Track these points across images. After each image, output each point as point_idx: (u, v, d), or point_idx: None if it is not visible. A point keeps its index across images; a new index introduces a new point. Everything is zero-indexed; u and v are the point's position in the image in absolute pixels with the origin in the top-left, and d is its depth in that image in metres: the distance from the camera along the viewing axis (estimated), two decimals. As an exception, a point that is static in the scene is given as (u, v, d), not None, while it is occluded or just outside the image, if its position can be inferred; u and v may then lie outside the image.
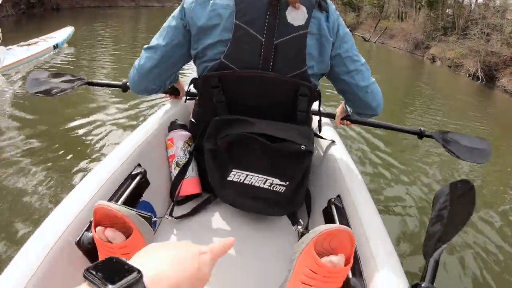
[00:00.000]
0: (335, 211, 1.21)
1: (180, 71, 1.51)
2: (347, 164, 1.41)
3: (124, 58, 7.34)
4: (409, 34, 17.43)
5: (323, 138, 1.62)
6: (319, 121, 1.54)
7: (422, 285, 0.84)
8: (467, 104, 8.20)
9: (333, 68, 1.30)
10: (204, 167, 1.33)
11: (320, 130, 1.58)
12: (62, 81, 1.90)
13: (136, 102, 4.60)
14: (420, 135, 1.91)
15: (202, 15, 1.19)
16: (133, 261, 0.44)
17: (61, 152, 3.22)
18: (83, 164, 3.06)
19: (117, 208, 0.88)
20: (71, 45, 8.04)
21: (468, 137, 1.89)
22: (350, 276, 0.95)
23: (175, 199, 1.36)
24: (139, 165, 1.29)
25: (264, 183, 1.23)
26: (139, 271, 0.40)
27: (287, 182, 1.23)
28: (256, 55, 1.18)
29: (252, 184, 1.23)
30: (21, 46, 6.41)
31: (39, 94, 1.83)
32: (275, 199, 1.25)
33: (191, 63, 1.36)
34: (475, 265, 2.45)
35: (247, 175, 1.22)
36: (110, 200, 1.10)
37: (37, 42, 6.79)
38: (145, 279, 0.40)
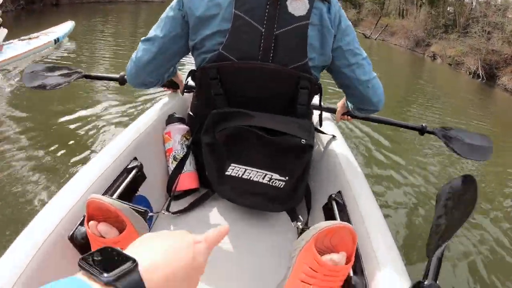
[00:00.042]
0: (336, 207, 1.18)
1: (179, 66, 1.48)
2: (348, 159, 1.38)
3: (124, 52, 7.29)
4: (410, 31, 17.37)
5: (324, 133, 1.59)
6: (320, 115, 1.51)
7: (425, 283, 0.81)
8: (468, 102, 8.18)
9: (333, 61, 1.27)
10: (202, 161, 1.30)
11: (320, 125, 1.54)
12: (59, 75, 1.87)
13: (134, 95, 4.57)
14: (422, 131, 1.89)
15: (201, 5, 1.15)
16: (128, 251, 0.44)
17: (57, 146, 3.20)
18: (79, 158, 3.03)
19: (110, 202, 0.85)
20: (72, 40, 8.02)
21: (470, 133, 1.86)
22: (351, 274, 0.92)
23: (172, 194, 1.33)
24: (135, 158, 1.27)
25: (263, 178, 1.20)
26: (134, 260, 0.40)
27: (287, 177, 1.20)
28: (256, 45, 1.15)
29: (251, 179, 1.20)
30: (22, 40, 6.38)
31: (37, 88, 1.80)
32: (274, 194, 1.22)
33: (191, 56, 1.32)
34: (477, 262, 2.43)
35: (246, 169, 1.19)
36: (105, 194, 1.08)
37: (38, 36, 6.75)
38: (140, 268, 0.40)
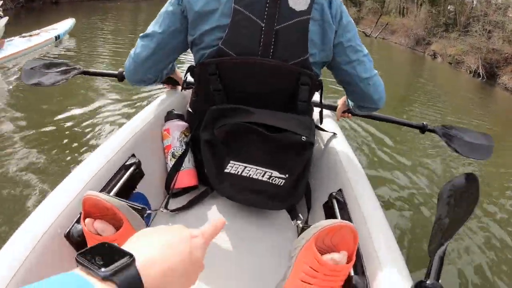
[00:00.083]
0: (336, 206, 1.17)
1: (178, 64, 1.46)
2: (349, 157, 1.37)
3: (124, 50, 7.26)
4: (410, 30, 17.32)
5: (324, 130, 1.57)
6: (321, 113, 1.49)
7: (427, 282, 0.80)
8: (468, 101, 8.16)
9: (334, 58, 1.25)
10: (201, 158, 1.28)
11: (321, 122, 1.53)
12: (57, 71, 1.86)
13: (133, 91, 4.54)
14: (423, 129, 1.88)
15: (200, 0, 1.14)
16: (125, 247, 0.44)
17: (55, 143, 3.18)
18: (76, 155, 3.01)
19: (106, 198, 0.84)
20: (72, 37, 8.02)
21: (471, 132, 1.86)
22: (352, 273, 0.91)
23: (171, 191, 1.32)
24: (133, 155, 1.25)
25: (262, 176, 1.18)
26: (131, 255, 0.40)
27: (287, 175, 1.18)
28: (256, 41, 1.13)
29: (250, 176, 1.18)
30: (23, 37, 6.41)
31: (35, 85, 1.79)
32: (274, 192, 1.20)
33: (190, 54, 1.31)
34: (479, 261, 2.41)
35: (245, 167, 1.18)
36: (102, 191, 1.06)
37: (39, 33, 6.78)
38: (137, 263, 0.40)
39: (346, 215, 1.12)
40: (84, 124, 3.61)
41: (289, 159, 1.17)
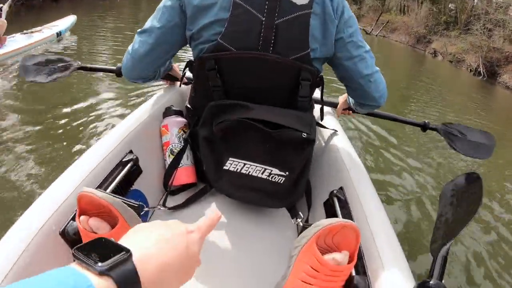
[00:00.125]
0: (337, 204, 1.14)
1: (178, 63, 1.43)
2: (350, 154, 1.35)
3: (124, 48, 7.27)
4: (411, 28, 17.29)
5: (325, 127, 1.55)
6: (321, 109, 1.47)
7: (431, 282, 0.78)
8: (469, 100, 8.14)
9: (335, 53, 1.23)
10: (200, 155, 1.26)
11: (322, 119, 1.51)
12: (55, 67, 1.83)
13: (131, 87, 4.53)
14: (424, 127, 1.86)
15: None
16: (122, 242, 0.44)
17: (51, 139, 3.18)
18: (73, 151, 3.01)
19: (102, 195, 0.82)
20: (74, 34, 8.03)
21: (472, 130, 1.84)
22: (353, 273, 0.89)
23: (169, 189, 1.30)
24: (131, 151, 1.23)
25: (262, 173, 1.16)
26: (128, 250, 0.40)
27: (287, 172, 1.16)
28: (256, 35, 1.11)
29: (250, 173, 1.16)
30: (24, 33, 6.44)
31: (33, 82, 1.77)
32: (274, 190, 1.18)
33: (189, 51, 1.28)
34: (482, 261, 2.41)
35: (244, 164, 1.16)
36: (98, 187, 1.04)
37: (40, 30, 6.81)
38: (133, 258, 0.40)
39: (347, 214, 1.10)
40: (82, 120, 3.59)
41: (289, 156, 1.15)
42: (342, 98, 1.71)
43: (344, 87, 1.39)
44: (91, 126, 3.48)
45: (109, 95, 4.31)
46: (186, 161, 1.34)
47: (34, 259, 0.80)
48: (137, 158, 1.22)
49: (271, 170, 1.16)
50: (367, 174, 1.26)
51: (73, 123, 3.51)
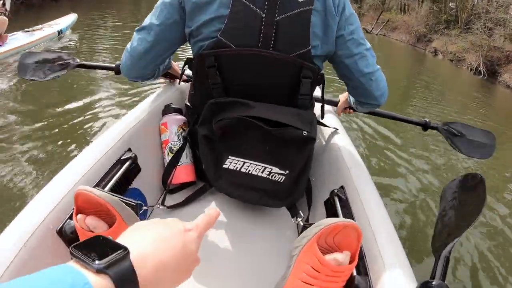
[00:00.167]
0: (338, 203, 1.13)
1: (177, 61, 1.41)
2: (351, 153, 1.33)
3: (125, 45, 7.28)
4: (411, 27, 17.27)
5: (326, 126, 1.54)
6: (322, 108, 1.46)
7: (433, 283, 0.77)
8: (469, 98, 8.12)
9: (336, 50, 1.21)
10: (199, 153, 1.25)
11: (322, 117, 1.49)
12: (54, 64, 1.82)
13: (131, 85, 4.51)
14: (425, 126, 1.85)
15: None
16: (119, 240, 0.44)
17: (49, 137, 3.16)
18: (71, 149, 2.99)
19: (99, 194, 0.80)
20: (75, 32, 8.02)
21: (474, 129, 1.83)
22: (354, 273, 0.88)
23: (168, 187, 1.29)
24: (129, 149, 1.22)
25: (262, 172, 1.15)
26: (125, 248, 0.40)
27: (287, 171, 1.15)
28: (256, 32, 1.09)
29: (250, 172, 1.15)
30: (26, 32, 6.44)
31: (32, 80, 1.76)
32: (274, 189, 1.17)
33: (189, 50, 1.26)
34: (484, 261, 2.40)
35: (244, 162, 1.14)
36: (96, 186, 1.03)
37: (42, 28, 6.80)
38: (131, 257, 0.40)
39: (348, 213, 1.09)
40: (81, 118, 3.58)
41: (289, 155, 1.14)
42: (342, 97, 1.70)
43: (345, 86, 1.37)
44: (90, 124, 3.46)
45: (108, 93, 4.30)
46: (185, 159, 1.33)
47: (31, 257, 0.79)
48: (135, 156, 1.21)
49: (271, 169, 1.14)
50: (368, 173, 1.24)
51: (71, 121, 3.49)
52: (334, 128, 1.54)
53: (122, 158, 1.17)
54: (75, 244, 0.40)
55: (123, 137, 1.21)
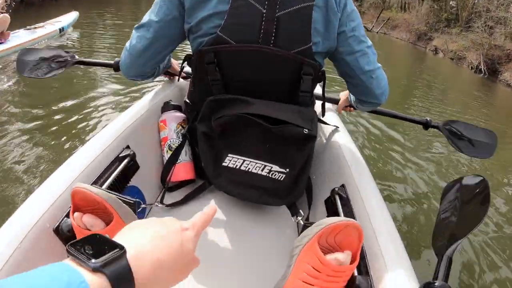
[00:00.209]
0: (339, 202, 1.12)
1: (177, 61, 1.40)
2: (352, 151, 1.32)
3: (124, 44, 7.28)
4: (412, 25, 17.28)
5: (327, 123, 1.53)
6: (323, 105, 1.44)
7: (436, 283, 0.76)
8: (470, 97, 8.13)
9: (337, 47, 1.19)
10: (198, 151, 1.23)
11: (323, 115, 1.48)
12: (53, 61, 1.81)
13: (130, 82, 4.48)
14: (426, 125, 1.84)
15: None
16: (116, 238, 0.44)
17: (47, 135, 3.15)
18: (69, 146, 2.98)
19: (96, 191, 0.79)
20: (76, 29, 8.06)
21: (475, 128, 1.83)
22: (355, 273, 0.87)
23: (167, 185, 1.28)
24: (127, 147, 1.21)
25: (262, 170, 1.13)
26: (122, 247, 0.40)
27: (288, 169, 1.14)
28: (256, 28, 1.08)
29: (249, 170, 1.13)
30: (27, 29, 6.48)
31: (30, 77, 1.75)
32: (274, 187, 1.15)
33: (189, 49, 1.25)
34: (485, 259, 2.38)
35: (244, 160, 1.13)
36: (94, 183, 1.02)
37: (43, 26, 6.85)
38: (128, 255, 0.40)
39: (349, 212, 1.08)
40: (79, 115, 3.57)
41: (290, 153, 1.13)
42: (343, 95, 1.68)
43: (346, 85, 1.36)
44: (88, 121, 3.45)
45: (107, 90, 4.29)
46: (185, 157, 1.32)
47: (28, 256, 0.78)
48: (134, 153, 1.19)
49: (271, 167, 1.13)
50: (369, 171, 1.23)
51: (69, 119, 3.48)
52: (334, 126, 1.52)
53: (120, 155, 1.16)
54: (71, 242, 0.40)
55: (122, 134, 1.20)
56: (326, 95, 1.40)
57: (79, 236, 0.82)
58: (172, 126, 1.35)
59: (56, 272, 0.35)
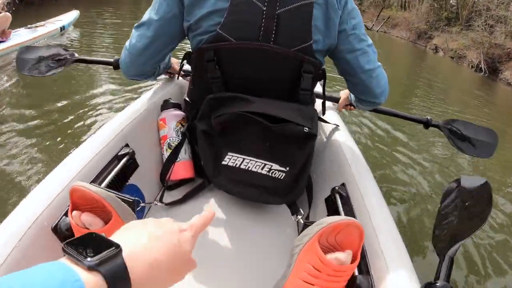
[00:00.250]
0: (339, 201, 1.11)
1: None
2: (352, 150, 1.32)
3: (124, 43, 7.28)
4: (412, 23, 17.27)
5: (327, 122, 1.52)
6: (323, 103, 1.43)
7: (437, 284, 0.75)
8: (470, 96, 8.12)
9: (337, 45, 1.19)
10: (198, 149, 1.23)
11: (323, 113, 1.47)
12: (52, 60, 1.80)
13: (129, 80, 4.47)
14: (427, 124, 1.84)
15: None
16: (113, 238, 0.44)
17: (46, 133, 3.14)
18: (68, 145, 2.96)
19: (94, 190, 0.78)
20: (77, 28, 8.06)
21: (476, 127, 1.82)
22: (356, 273, 0.86)
23: (166, 184, 1.27)
24: (127, 145, 1.20)
25: (262, 168, 1.12)
26: (118, 246, 0.40)
27: (288, 168, 1.13)
28: (256, 25, 1.07)
29: (249, 169, 1.13)
30: (28, 28, 6.49)
31: (29, 75, 1.74)
32: (274, 186, 1.15)
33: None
34: (486, 259, 2.37)
35: (244, 159, 1.12)
36: (92, 182, 1.01)
37: (44, 25, 6.85)
38: (124, 254, 0.40)
39: (349, 211, 1.07)
40: (78, 113, 3.55)
41: (290, 151, 1.12)
42: (343, 93, 1.68)
43: (341, 75, 1.35)
44: (87, 120, 3.44)
45: (106, 89, 4.28)
46: (184, 155, 1.31)
47: (26, 255, 0.77)
48: (133, 152, 1.19)
49: (271, 166, 1.12)
50: (369, 170, 1.22)
51: (68, 117, 3.47)
52: (335, 124, 1.52)
53: (119, 154, 1.15)
54: (67, 241, 0.40)
55: (121, 133, 1.19)
56: (326, 93, 1.39)
57: (77, 235, 0.81)
58: (171, 124, 1.34)
59: (51, 271, 0.35)
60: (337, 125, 1.51)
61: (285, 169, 1.13)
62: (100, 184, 1.02)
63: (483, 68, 11.71)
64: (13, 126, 3.19)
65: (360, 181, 1.13)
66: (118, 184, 1.11)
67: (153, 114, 1.40)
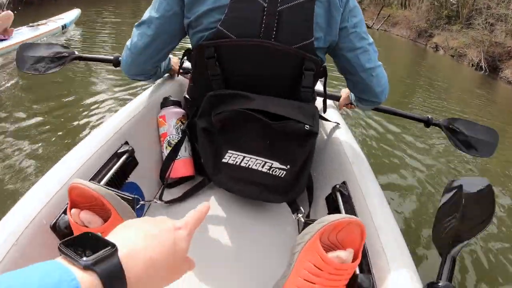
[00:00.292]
0: (340, 199, 1.11)
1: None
2: (353, 148, 1.31)
3: (125, 42, 7.29)
4: (412, 22, 17.23)
5: (328, 120, 1.51)
6: (324, 101, 1.43)
7: (440, 284, 0.75)
8: (470, 94, 8.10)
9: (337, 43, 1.18)
10: (198, 147, 1.22)
11: (324, 111, 1.46)
12: (53, 57, 1.80)
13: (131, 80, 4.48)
14: (427, 123, 1.83)
15: None
16: (109, 237, 0.44)
17: (45, 130, 3.14)
18: (68, 143, 2.96)
19: (93, 187, 0.78)
20: (78, 26, 8.08)
21: (476, 126, 1.82)
22: (357, 272, 0.85)
23: (166, 182, 1.26)
24: (126, 143, 1.19)
25: (262, 166, 1.12)
26: (113, 245, 0.40)
27: (288, 166, 1.12)
28: (257, 22, 1.06)
29: (249, 167, 1.12)
30: (30, 26, 6.51)
31: (30, 72, 1.74)
32: (274, 184, 1.14)
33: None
34: (487, 259, 2.36)
35: (244, 157, 1.12)
36: (92, 180, 1.00)
37: (46, 23, 6.88)
38: (120, 254, 0.40)
39: (350, 209, 1.07)
40: (77, 111, 3.55)
41: (291, 149, 1.11)
42: (344, 92, 1.67)
43: (341, 74, 1.34)
44: (86, 118, 3.43)
45: (106, 87, 4.28)
46: (184, 153, 1.30)
47: (24, 253, 0.77)
48: (133, 149, 1.18)
49: (272, 164, 1.12)
50: (370, 168, 1.22)
51: (68, 115, 3.46)
52: (335, 122, 1.51)
53: (118, 151, 1.15)
54: (63, 240, 0.40)
55: (120, 130, 1.19)
56: (327, 91, 1.38)
57: (76, 233, 0.81)
58: (171, 122, 1.34)
59: (47, 270, 0.35)
60: (338, 123, 1.51)
61: (286, 167, 1.12)
62: (99, 181, 1.02)
63: (483, 66, 11.68)
64: (13, 124, 3.18)
65: (361, 179, 1.12)
66: (118, 182, 1.11)
67: (153, 112, 1.39)
